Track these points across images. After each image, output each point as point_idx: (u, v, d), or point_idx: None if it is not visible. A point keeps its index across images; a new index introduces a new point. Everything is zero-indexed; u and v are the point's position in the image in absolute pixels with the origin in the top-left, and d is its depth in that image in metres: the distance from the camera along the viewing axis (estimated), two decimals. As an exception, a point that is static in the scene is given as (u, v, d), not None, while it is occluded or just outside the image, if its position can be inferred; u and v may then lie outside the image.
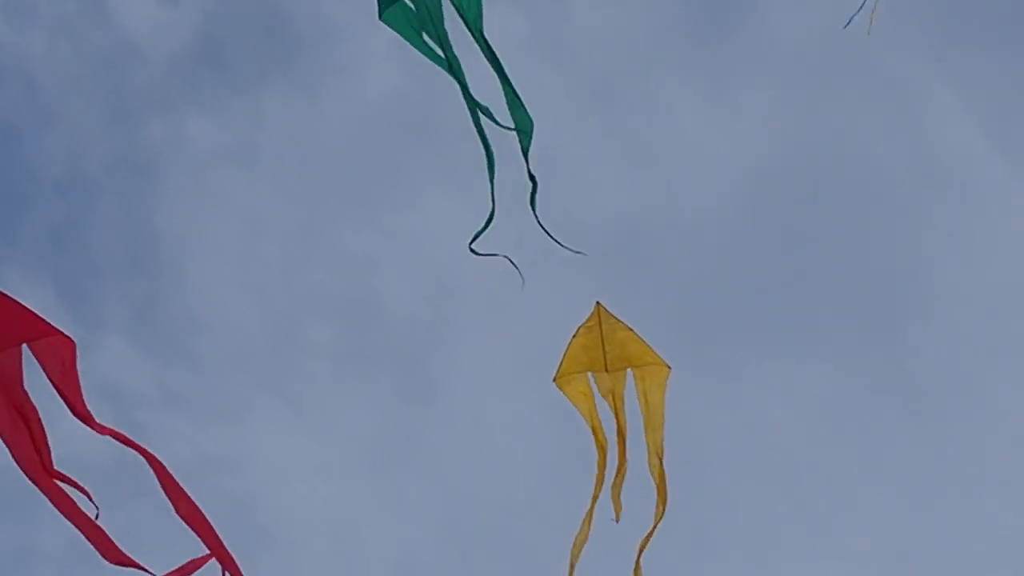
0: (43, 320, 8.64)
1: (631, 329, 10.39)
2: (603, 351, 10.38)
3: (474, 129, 9.29)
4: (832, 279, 17.27)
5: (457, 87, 9.17)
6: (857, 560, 17.27)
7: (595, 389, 10.46)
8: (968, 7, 17.22)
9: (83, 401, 8.73)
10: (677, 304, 17.93)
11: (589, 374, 10.45)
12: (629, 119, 17.99)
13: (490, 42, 8.90)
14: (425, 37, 9.02)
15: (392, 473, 18.73)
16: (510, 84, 9.03)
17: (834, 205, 18.38)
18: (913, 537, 17.31)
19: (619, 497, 10.43)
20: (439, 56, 9.07)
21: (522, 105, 9.16)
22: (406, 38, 9.04)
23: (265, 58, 19.55)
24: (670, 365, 10.32)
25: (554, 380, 10.46)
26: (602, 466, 10.44)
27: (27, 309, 8.67)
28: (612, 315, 10.42)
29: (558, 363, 10.44)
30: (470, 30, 8.93)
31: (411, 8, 8.92)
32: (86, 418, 8.70)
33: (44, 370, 8.73)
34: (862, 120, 18.41)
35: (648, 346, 10.36)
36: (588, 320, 10.46)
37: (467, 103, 9.23)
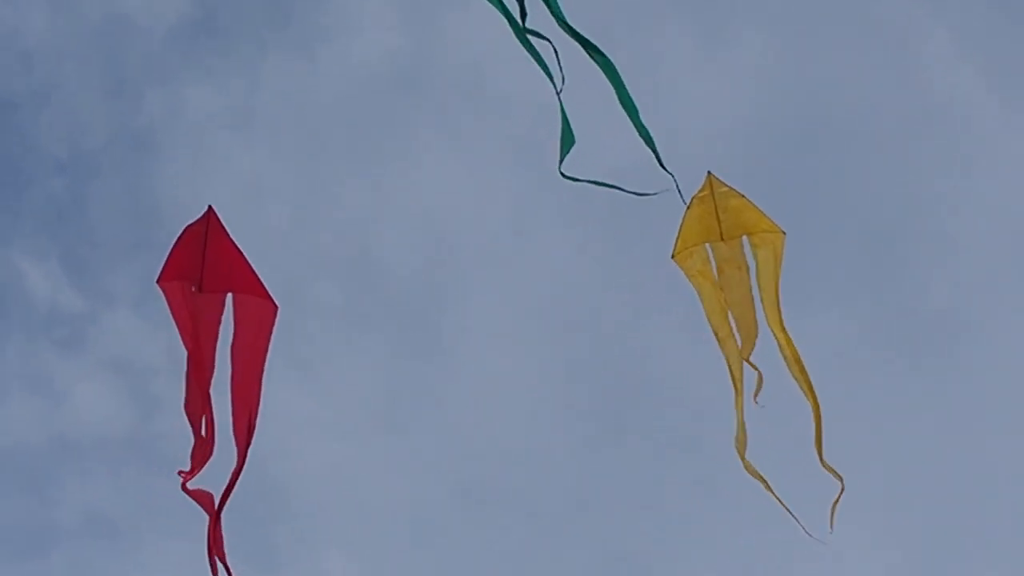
0: (257, 277, 8.97)
1: (744, 196, 10.09)
2: (718, 220, 10.05)
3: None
4: (831, 224, 17.28)
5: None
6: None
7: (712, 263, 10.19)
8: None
9: (263, 368, 8.99)
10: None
11: (707, 246, 10.14)
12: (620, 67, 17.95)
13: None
14: None
15: (401, 429, 18.83)
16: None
17: (830, 149, 18.38)
18: (921, 481, 17.39)
19: (759, 377, 10.16)
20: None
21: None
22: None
23: (259, 21, 19.55)
24: (784, 231, 10.03)
25: (672, 257, 10.15)
26: (736, 355, 10.13)
27: (246, 261, 8.98)
28: (724, 183, 10.09)
29: (675, 238, 10.14)
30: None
31: None
32: (254, 386, 8.91)
33: (237, 325, 9.00)
34: (857, 63, 18.41)
35: (763, 213, 10.05)
36: (700, 190, 10.11)
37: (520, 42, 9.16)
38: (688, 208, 10.08)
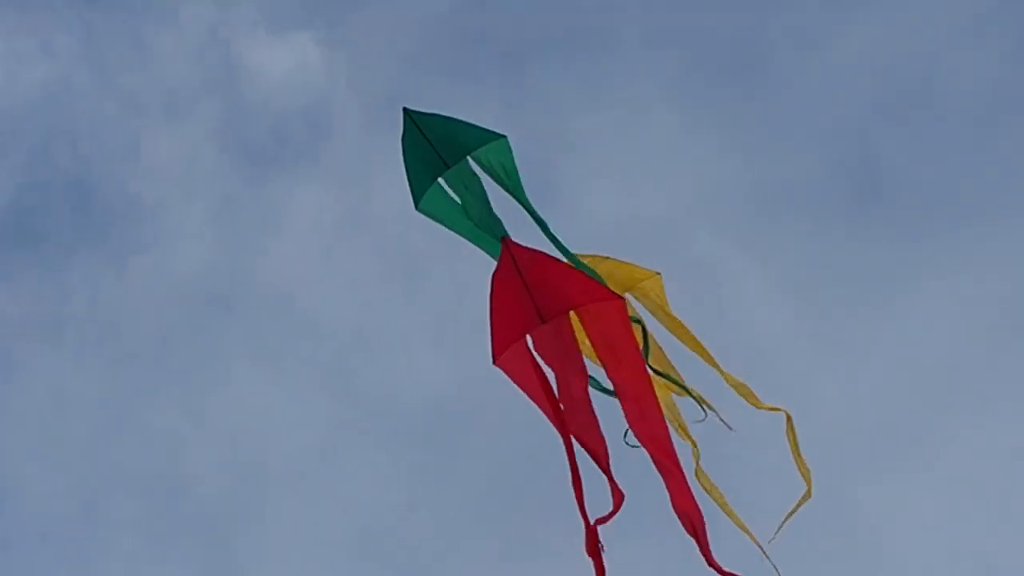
0: (593, 282, 8.37)
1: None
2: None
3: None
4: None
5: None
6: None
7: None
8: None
9: (642, 361, 8.44)
10: (484, 488, 17.97)
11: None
12: (439, 297, 18.18)
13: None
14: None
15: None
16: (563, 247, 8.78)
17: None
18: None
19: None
20: (487, 234, 8.76)
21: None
22: (447, 224, 8.71)
23: (73, 232, 19.43)
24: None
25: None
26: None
27: (577, 272, 8.41)
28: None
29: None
30: (513, 195, 8.65)
31: (446, 191, 8.55)
32: (641, 372, 8.37)
33: (590, 336, 8.43)
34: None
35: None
36: None
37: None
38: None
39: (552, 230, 8.61)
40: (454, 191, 8.58)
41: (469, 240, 8.78)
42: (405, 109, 8.39)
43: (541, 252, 8.35)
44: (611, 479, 8.30)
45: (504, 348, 8.22)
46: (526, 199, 8.58)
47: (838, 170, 19.34)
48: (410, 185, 8.50)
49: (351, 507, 18.18)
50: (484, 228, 8.63)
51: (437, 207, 8.61)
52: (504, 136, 8.40)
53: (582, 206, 18.43)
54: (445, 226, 8.73)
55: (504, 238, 8.42)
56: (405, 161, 8.47)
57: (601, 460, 8.34)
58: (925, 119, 19.51)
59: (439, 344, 18.22)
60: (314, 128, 20.34)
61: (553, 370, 8.42)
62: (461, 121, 8.42)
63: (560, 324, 8.28)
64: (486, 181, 8.58)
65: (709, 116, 19.28)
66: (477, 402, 17.44)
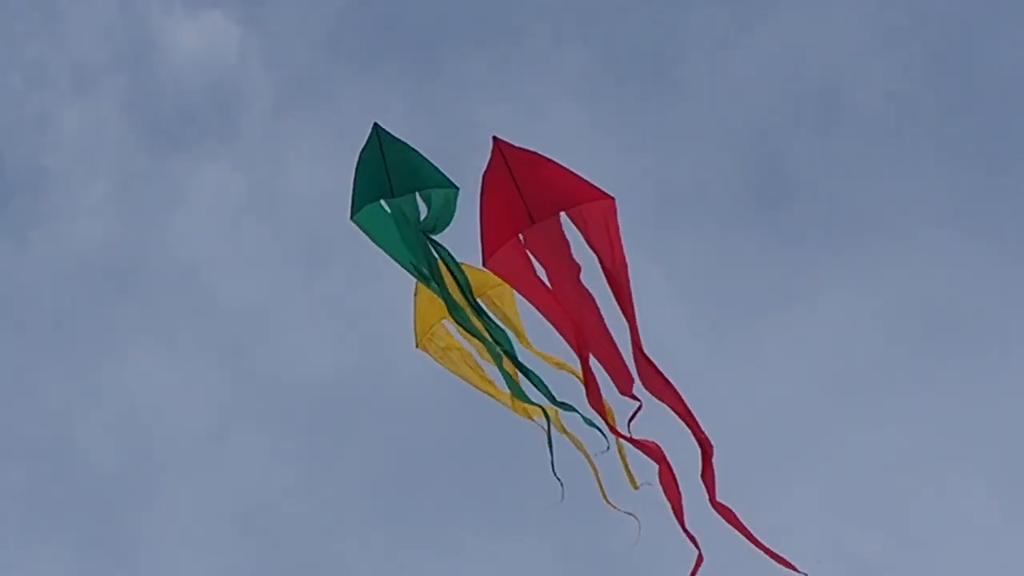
0: (583, 182, 8.35)
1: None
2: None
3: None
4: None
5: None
6: None
7: None
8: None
9: (626, 262, 8.43)
10: (374, 474, 18.02)
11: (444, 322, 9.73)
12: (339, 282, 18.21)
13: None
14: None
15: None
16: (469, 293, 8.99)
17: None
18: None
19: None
20: (420, 264, 8.81)
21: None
22: (376, 240, 8.83)
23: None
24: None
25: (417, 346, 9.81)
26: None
27: (569, 172, 8.37)
28: None
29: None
30: (429, 238, 8.79)
31: (384, 209, 8.69)
32: (624, 280, 8.40)
33: (585, 235, 8.42)
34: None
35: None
36: None
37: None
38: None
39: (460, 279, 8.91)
40: (393, 214, 8.71)
41: (393, 258, 8.93)
42: (375, 125, 8.53)
43: (532, 152, 8.42)
44: (623, 363, 8.48)
45: (495, 249, 8.36)
46: (441, 247, 8.76)
47: (741, 176, 19.51)
48: (353, 196, 8.65)
49: (239, 486, 18.17)
50: (411, 252, 8.81)
51: (370, 223, 8.73)
52: (457, 188, 8.58)
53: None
54: (373, 241, 8.85)
55: (494, 137, 8.45)
56: (356, 172, 8.62)
57: (606, 347, 8.51)
58: (830, 129, 19.72)
59: (335, 328, 18.27)
60: (223, 107, 20.32)
61: (545, 268, 8.53)
62: (423, 157, 8.58)
63: (551, 224, 8.39)
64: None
65: (615, 115, 19.41)
66: (371, 388, 17.52)
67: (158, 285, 19.03)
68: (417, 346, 9.93)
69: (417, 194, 8.60)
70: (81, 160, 19.92)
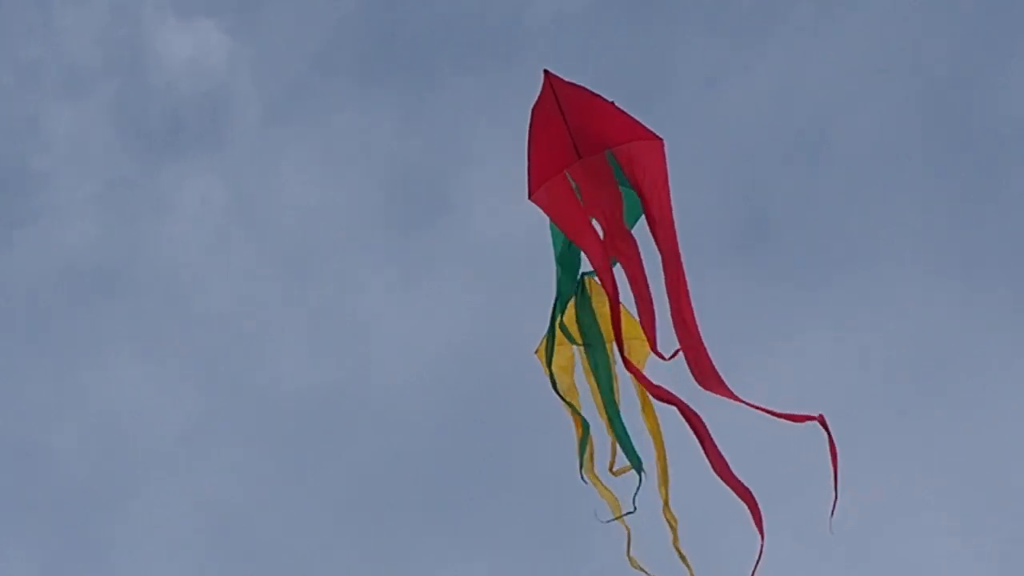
0: (632, 120, 8.33)
1: None
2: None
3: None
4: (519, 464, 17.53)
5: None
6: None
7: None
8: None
9: (671, 206, 8.44)
10: (351, 485, 18.02)
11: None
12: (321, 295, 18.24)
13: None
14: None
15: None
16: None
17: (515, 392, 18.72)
18: None
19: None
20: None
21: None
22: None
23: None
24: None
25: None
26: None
27: (619, 111, 8.34)
28: None
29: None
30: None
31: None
32: (668, 225, 8.37)
33: (631, 175, 8.40)
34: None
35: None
36: None
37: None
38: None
39: None
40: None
41: (555, 255, 9.08)
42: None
43: (582, 87, 8.38)
44: (650, 301, 8.47)
45: (541, 183, 8.33)
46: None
47: (726, 210, 19.57)
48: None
49: (216, 494, 18.17)
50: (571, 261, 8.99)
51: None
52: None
53: (470, 222, 18.60)
54: (551, 229, 8.97)
55: (546, 70, 8.39)
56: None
57: (640, 286, 8.49)
58: (816, 167, 19.81)
59: (317, 340, 18.30)
60: (213, 116, 20.35)
61: (588, 205, 8.51)
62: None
63: (598, 160, 8.37)
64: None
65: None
66: (349, 401, 17.55)
67: (141, 291, 19.06)
68: (536, 352, 9.91)
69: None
70: (68, 163, 19.95)
